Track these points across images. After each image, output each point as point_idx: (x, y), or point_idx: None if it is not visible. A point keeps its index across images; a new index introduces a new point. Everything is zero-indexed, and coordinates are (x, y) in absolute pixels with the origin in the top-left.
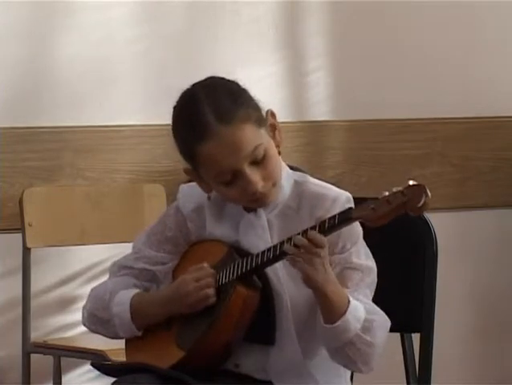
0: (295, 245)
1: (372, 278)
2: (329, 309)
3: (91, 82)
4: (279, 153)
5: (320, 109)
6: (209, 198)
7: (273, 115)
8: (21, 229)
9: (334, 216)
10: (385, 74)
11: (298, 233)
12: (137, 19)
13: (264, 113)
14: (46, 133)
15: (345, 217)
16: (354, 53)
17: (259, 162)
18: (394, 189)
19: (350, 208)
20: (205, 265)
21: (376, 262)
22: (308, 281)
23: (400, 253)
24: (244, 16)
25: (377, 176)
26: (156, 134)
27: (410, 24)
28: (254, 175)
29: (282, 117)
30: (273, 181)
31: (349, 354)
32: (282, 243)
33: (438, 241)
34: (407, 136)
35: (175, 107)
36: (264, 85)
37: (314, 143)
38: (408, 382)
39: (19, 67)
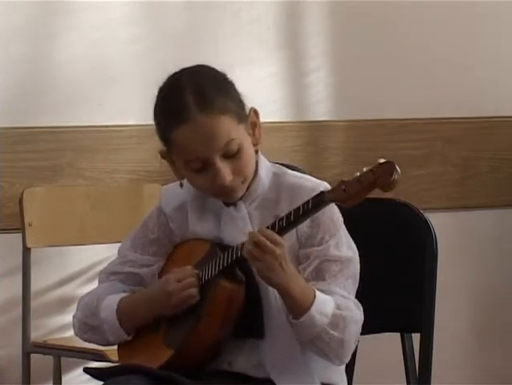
0: (254, 240)
1: (353, 269)
2: (292, 305)
3: (91, 82)
4: (256, 152)
5: (320, 109)
6: (181, 185)
7: (256, 112)
8: (21, 229)
9: (307, 202)
10: (385, 74)
11: (268, 227)
12: (137, 19)
13: (247, 109)
14: (46, 133)
15: (318, 201)
16: (354, 53)
17: (232, 156)
18: (364, 169)
19: (322, 192)
20: (188, 266)
21: (376, 263)
22: (263, 279)
23: (400, 253)
24: (244, 16)
25: None
26: (155, 134)
27: (410, 24)
28: (225, 168)
29: (282, 117)
30: (243, 177)
31: (320, 347)
32: None
33: (438, 241)
34: (407, 136)
35: (160, 89)
36: (264, 85)
37: (314, 143)
38: (408, 382)
39: (19, 67)
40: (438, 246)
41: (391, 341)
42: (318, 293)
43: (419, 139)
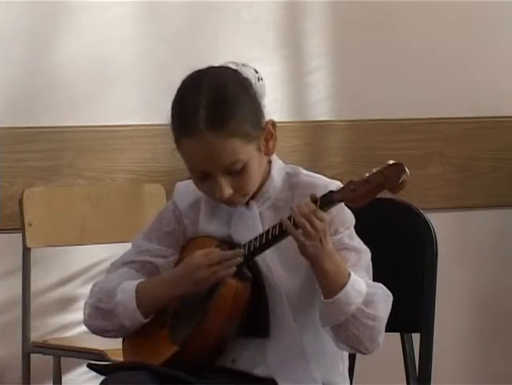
0: (300, 211)
1: (368, 260)
2: (328, 281)
3: (91, 82)
4: (269, 162)
5: (320, 109)
6: None
7: (273, 125)
8: (21, 229)
9: (316, 200)
10: (385, 74)
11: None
12: (137, 19)
13: (264, 120)
14: (46, 133)
15: (327, 200)
16: (354, 53)
17: (235, 173)
18: (374, 170)
19: (331, 191)
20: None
21: (376, 262)
22: (303, 252)
23: (400, 253)
24: (244, 16)
25: None
26: (156, 134)
27: (410, 24)
28: (225, 184)
29: (282, 117)
30: (243, 193)
31: (354, 331)
32: (268, 231)
33: (438, 241)
34: (407, 136)
35: (180, 86)
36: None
37: (314, 143)
38: (408, 382)
39: (19, 67)
40: (438, 246)
41: (391, 341)
42: (351, 272)
43: (419, 139)
